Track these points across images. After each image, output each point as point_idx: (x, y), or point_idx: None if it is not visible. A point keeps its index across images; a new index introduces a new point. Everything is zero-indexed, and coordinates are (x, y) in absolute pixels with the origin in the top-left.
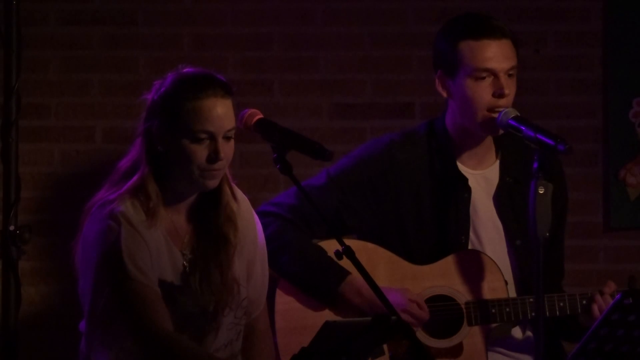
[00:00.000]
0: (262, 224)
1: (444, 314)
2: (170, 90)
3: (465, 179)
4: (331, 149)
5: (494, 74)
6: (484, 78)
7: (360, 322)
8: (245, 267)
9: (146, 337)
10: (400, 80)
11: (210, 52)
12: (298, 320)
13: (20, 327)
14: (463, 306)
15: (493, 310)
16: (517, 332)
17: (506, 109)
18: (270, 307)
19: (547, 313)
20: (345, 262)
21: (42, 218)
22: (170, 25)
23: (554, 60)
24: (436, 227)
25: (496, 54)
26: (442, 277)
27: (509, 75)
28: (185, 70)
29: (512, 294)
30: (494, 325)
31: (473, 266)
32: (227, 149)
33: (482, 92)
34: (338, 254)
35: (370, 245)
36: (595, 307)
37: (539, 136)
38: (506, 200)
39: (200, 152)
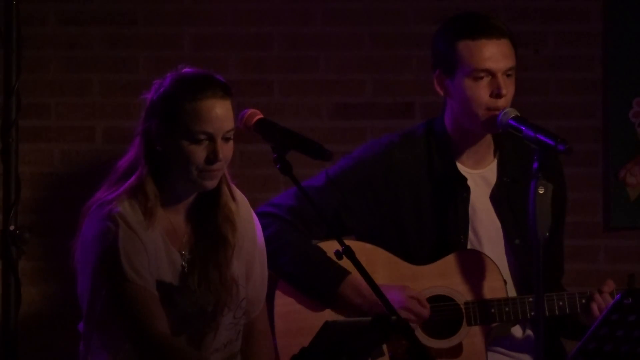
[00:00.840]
0: (261, 225)
1: (443, 314)
2: (170, 91)
3: (464, 179)
4: (331, 149)
5: (491, 74)
6: (482, 78)
7: (360, 322)
8: (244, 268)
9: (143, 339)
10: (400, 80)
11: (210, 52)
12: (297, 322)
13: (20, 327)
14: (462, 306)
15: (492, 310)
16: (516, 331)
17: (506, 109)
18: (269, 309)
19: (547, 312)
20: (345, 263)
21: (42, 218)
22: (170, 25)
23: (554, 60)
24: (435, 227)
25: (494, 54)
26: (441, 277)
27: (508, 76)
28: (184, 70)
29: (512, 293)
30: (493, 325)
31: (472, 266)
32: (226, 150)
33: (480, 92)
34: (338, 254)
35: (368, 245)
36: (594, 306)
37: (539, 136)
38: (504, 199)
39: (199, 152)
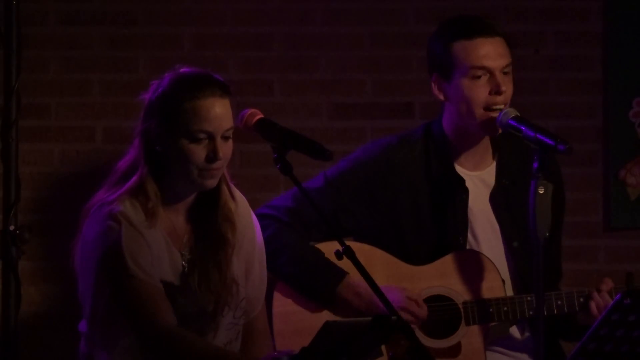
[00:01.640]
0: (260, 226)
1: (441, 314)
2: (168, 91)
3: (463, 180)
4: (331, 149)
5: (489, 71)
6: (479, 77)
7: (360, 322)
8: (244, 267)
9: (150, 332)
10: (400, 80)
11: (210, 52)
12: (296, 322)
13: (20, 327)
14: (461, 306)
15: (491, 310)
16: (515, 331)
17: (506, 109)
18: (268, 310)
19: (546, 312)
20: (343, 263)
21: (42, 218)
22: (170, 25)
23: (554, 60)
24: (434, 229)
25: (490, 52)
26: (440, 277)
27: (505, 73)
28: (182, 70)
29: (510, 294)
30: (492, 324)
31: (470, 266)
32: (226, 149)
33: (479, 90)
34: (338, 254)
35: (366, 246)
36: (592, 305)
37: (539, 136)
38: (503, 201)
39: (199, 151)
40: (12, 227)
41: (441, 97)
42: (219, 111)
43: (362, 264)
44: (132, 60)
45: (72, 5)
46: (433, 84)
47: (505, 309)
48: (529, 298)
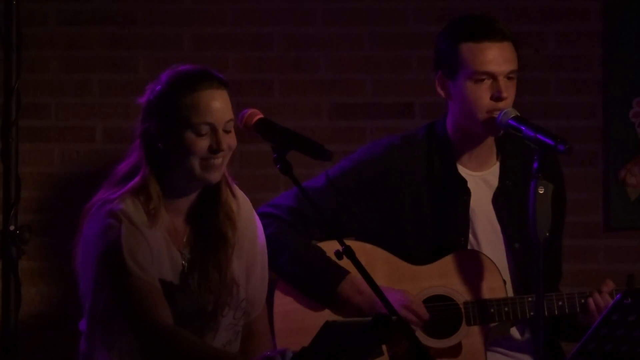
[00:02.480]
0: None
1: (442, 314)
2: (166, 88)
3: (465, 181)
4: (331, 149)
5: (493, 77)
6: (483, 80)
7: (360, 322)
8: (245, 267)
9: (148, 332)
10: (400, 80)
11: (210, 52)
12: (297, 321)
13: (20, 327)
14: (462, 306)
15: (492, 310)
16: (516, 332)
17: (506, 109)
18: (268, 309)
19: (546, 312)
20: (344, 263)
21: (42, 218)
22: (170, 25)
23: (554, 60)
24: (435, 229)
25: (496, 57)
26: (441, 277)
27: (509, 79)
28: (178, 68)
29: (510, 295)
30: (492, 324)
31: (471, 266)
32: (229, 140)
33: (481, 94)
34: (338, 254)
35: (368, 246)
36: (593, 306)
37: (539, 136)
38: (505, 203)
39: (202, 143)
40: (12, 227)
41: (444, 94)
42: (218, 103)
43: (362, 263)
44: (132, 60)
45: (72, 5)
46: (437, 81)
47: (506, 309)
48: (529, 298)
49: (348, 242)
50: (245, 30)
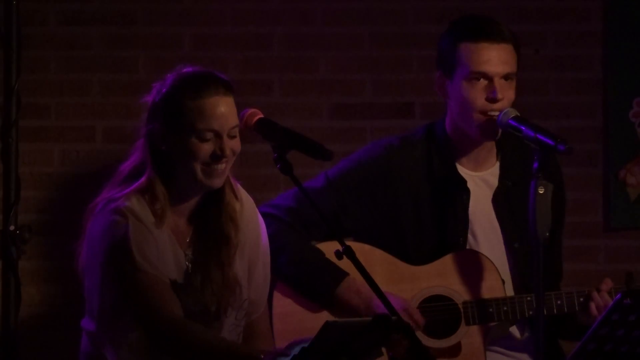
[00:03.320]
0: None
1: (441, 314)
2: (172, 91)
3: (464, 181)
4: (331, 149)
5: (488, 77)
6: (478, 80)
7: (360, 322)
8: (247, 268)
9: (158, 325)
10: (400, 80)
11: (210, 52)
12: (296, 323)
13: (20, 327)
14: (460, 306)
15: (491, 310)
16: (515, 331)
17: (506, 109)
18: (268, 310)
19: (545, 311)
20: (344, 264)
21: (42, 218)
22: (170, 25)
23: (554, 60)
24: (434, 229)
25: (492, 58)
26: (439, 277)
27: (506, 81)
28: (184, 70)
29: (510, 294)
30: (491, 324)
31: (470, 266)
32: (233, 145)
33: (476, 94)
34: (338, 254)
35: (366, 246)
36: (592, 305)
37: (539, 136)
38: (505, 203)
39: (205, 148)
40: (12, 227)
41: (442, 94)
42: (223, 109)
43: (362, 264)
44: (132, 60)
45: (72, 5)
46: (436, 81)
47: (505, 308)
48: (528, 298)
49: (347, 243)
50: (245, 30)
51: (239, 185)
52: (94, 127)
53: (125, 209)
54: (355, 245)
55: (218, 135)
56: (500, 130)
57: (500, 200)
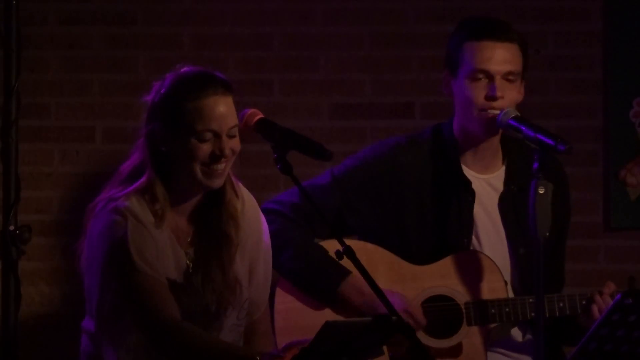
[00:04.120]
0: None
1: (443, 314)
2: (170, 92)
3: (469, 183)
4: (331, 149)
5: (489, 76)
6: (479, 79)
7: (360, 322)
8: (248, 267)
9: (155, 327)
10: (400, 80)
11: (210, 52)
12: (298, 320)
13: (20, 327)
14: (462, 306)
15: (492, 311)
16: (517, 333)
17: (506, 109)
18: (269, 307)
19: (547, 313)
20: (346, 263)
21: (42, 218)
22: (170, 25)
23: (554, 60)
24: (438, 229)
25: (494, 56)
26: (442, 277)
27: (508, 80)
28: (183, 70)
29: (511, 296)
30: (493, 325)
31: (473, 266)
32: (233, 145)
33: (477, 92)
34: (339, 254)
35: (370, 245)
36: (594, 308)
37: (539, 136)
38: (510, 207)
39: (205, 148)
40: (12, 227)
41: (448, 92)
42: (222, 109)
43: (363, 263)
44: (132, 60)
45: (72, 5)
46: (443, 80)
47: (507, 310)
48: (530, 300)
49: (350, 242)
50: (245, 30)
51: (240, 184)
52: (94, 127)
53: (125, 209)
54: (359, 244)
55: (217, 136)
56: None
57: (506, 205)
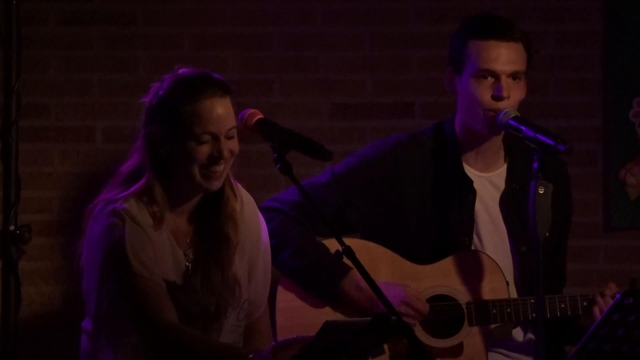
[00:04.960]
0: (265, 218)
1: (444, 314)
2: (168, 94)
3: (470, 181)
4: (331, 149)
5: (495, 75)
6: (485, 78)
7: (360, 322)
8: (247, 267)
9: (152, 330)
10: (400, 80)
11: (210, 52)
12: (299, 318)
13: (20, 327)
14: (464, 306)
15: (494, 311)
16: (518, 333)
17: (506, 109)
18: (271, 305)
19: (548, 314)
20: (347, 261)
21: (42, 218)
22: (170, 25)
23: (554, 60)
24: (439, 228)
25: (500, 56)
26: (443, 277)
27: (513, 79)
28: (181, 71)
29: (513, 296)
30: (494, 325)
31: (474, 266)
32: (231, 146)
33: (483, 92)
34: (338, 254)
35: (371, 244)
36: (596, 309)
37: (539, 136)
38: (512, 206)
39: (203, 150)
40: (12, 227)
41: (450, 90)
42: (220, 111)
43: (364, 262)
44: (132, 60)
45: (72, 5)
46: (445, 78)
47: (509, 310)
48: (532, 300)
49: (351, 241)
50: (245, 30)
51: (239, 185)
52: (94, 127)
53: (123, 211)
54: (360, 243)
55: (215, 138)
56: None
57: (508, 203)
